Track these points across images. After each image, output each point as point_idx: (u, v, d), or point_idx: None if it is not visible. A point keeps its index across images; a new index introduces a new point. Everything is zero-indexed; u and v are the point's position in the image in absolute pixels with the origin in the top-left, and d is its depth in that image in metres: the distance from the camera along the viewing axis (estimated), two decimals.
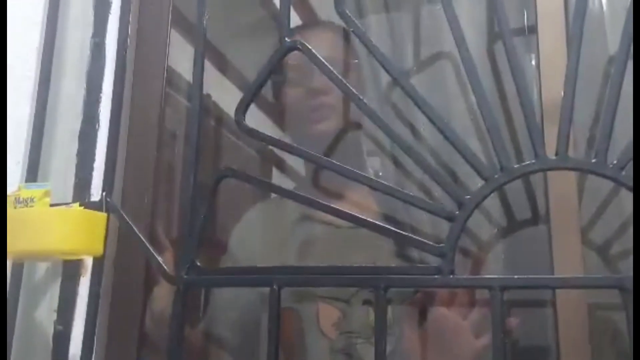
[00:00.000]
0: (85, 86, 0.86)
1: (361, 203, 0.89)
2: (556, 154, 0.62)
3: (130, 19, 0.90)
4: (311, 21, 1.18)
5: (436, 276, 0.64)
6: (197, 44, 0.77)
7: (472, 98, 0.68)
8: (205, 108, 1.18)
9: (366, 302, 0.85)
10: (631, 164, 0.60)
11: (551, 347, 0.71)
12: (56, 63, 0.89)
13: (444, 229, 0.66)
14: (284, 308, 0.68)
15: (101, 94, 0.85)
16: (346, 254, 0.88)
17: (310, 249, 0.92)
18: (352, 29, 0.70)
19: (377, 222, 0.70)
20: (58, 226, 0.73)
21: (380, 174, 0.97)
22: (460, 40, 0.67)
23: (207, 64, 0.85)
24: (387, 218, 0.89)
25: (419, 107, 0.68)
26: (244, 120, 0.73)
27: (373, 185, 0.70)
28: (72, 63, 0.90)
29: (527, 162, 0.63)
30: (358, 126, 0.97)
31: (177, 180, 1.04)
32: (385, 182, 0.69)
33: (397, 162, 0.92)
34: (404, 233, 0.69)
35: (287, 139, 0.94)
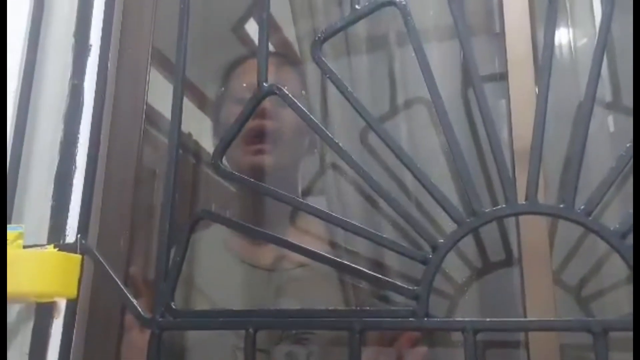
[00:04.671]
0: (62, 127, 0.86)
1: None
2: (526, 199, 0.64)
3: (110, 57, 0.90)
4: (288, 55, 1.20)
5: (411, 319, 0.65)
6: (175, 81, 0.78)
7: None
8: (185, 146, 1.19)
9: (289, 355, 0.86)
10: (599, 208, 0.62)
11: None
12: (33, 104, 0.88)
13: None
14: None
15: (78, 135, 0.85)
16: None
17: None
18: (327, 75, 0.72)
19: (353, 265, 0.70)
20: (31, 268, 0.72)
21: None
22: (432, 87, 0.69)
23: (188, 103, 0.85)
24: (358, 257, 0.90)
25: (393, 152, 0.69)
26: (222, 164, 0.74)
27: (348, 228, 0.70)
28: (49, 104, 0.89)
29: (498, 207, 0.65)
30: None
31: (156, 220, 1.04)
32: (359, 224, 0.70)
33: (372, 202, 0.94)
34: (378, 275, 0.70)
35: None
